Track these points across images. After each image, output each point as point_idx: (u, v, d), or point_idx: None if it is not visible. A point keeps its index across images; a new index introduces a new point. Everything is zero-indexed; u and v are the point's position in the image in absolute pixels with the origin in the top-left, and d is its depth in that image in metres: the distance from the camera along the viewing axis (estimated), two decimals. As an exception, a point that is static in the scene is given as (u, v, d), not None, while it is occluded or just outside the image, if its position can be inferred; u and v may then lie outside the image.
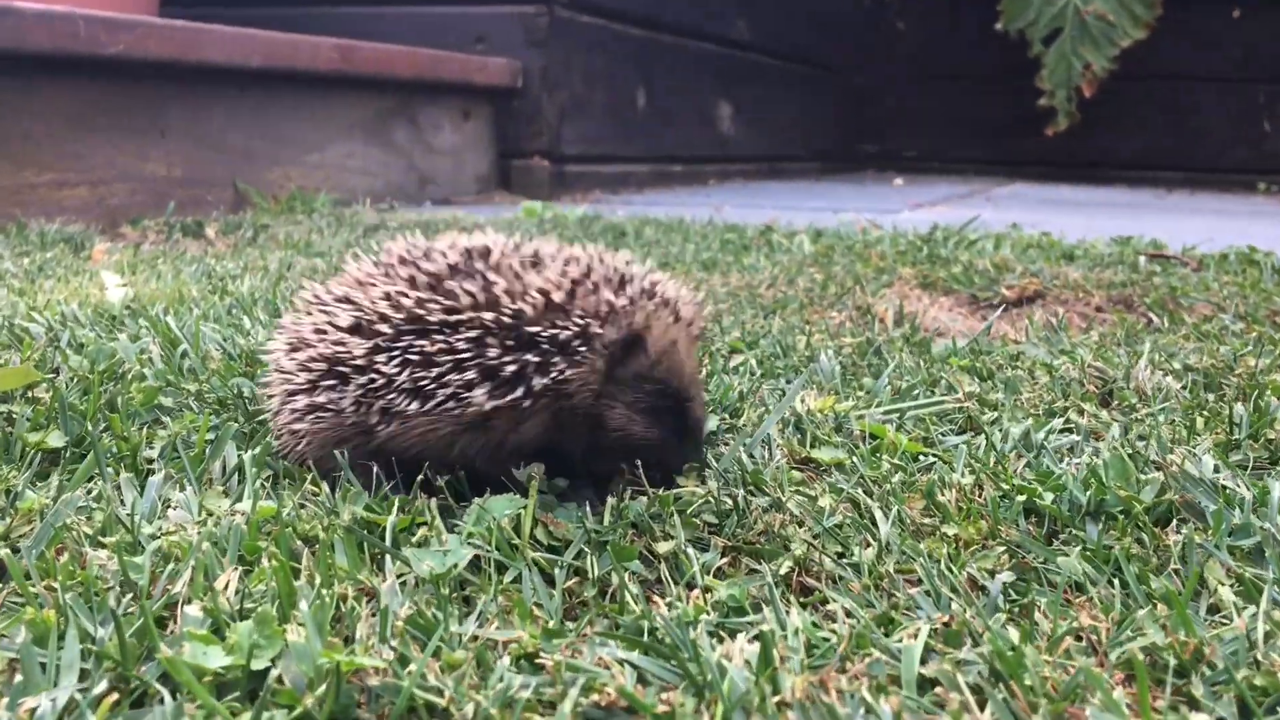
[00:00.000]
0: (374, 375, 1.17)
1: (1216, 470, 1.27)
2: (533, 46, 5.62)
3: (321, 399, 1.22)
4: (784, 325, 2.08)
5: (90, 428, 1.34)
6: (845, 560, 1.08)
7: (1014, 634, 0.90)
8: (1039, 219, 5.07)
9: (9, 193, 3.67)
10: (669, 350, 1.24)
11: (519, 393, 1.15)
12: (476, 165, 5.73)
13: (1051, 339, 2.10)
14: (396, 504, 1.13)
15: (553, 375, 1.15)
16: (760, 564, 1.08)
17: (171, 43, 4.00)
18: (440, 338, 1.16)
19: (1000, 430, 1.45)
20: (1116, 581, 1.02)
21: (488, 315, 1.15)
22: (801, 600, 1.03)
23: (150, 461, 1.30)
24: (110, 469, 1.25)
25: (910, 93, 9.38)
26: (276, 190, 4.58)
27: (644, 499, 1.17)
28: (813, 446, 1.37)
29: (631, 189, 6.36)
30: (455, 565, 0.99)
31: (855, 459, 1.33)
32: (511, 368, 1.14)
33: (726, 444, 1.38)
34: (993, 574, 1.05)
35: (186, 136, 4.26)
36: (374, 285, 1.24)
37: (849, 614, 0.97)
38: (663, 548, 1.09)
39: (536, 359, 1.15)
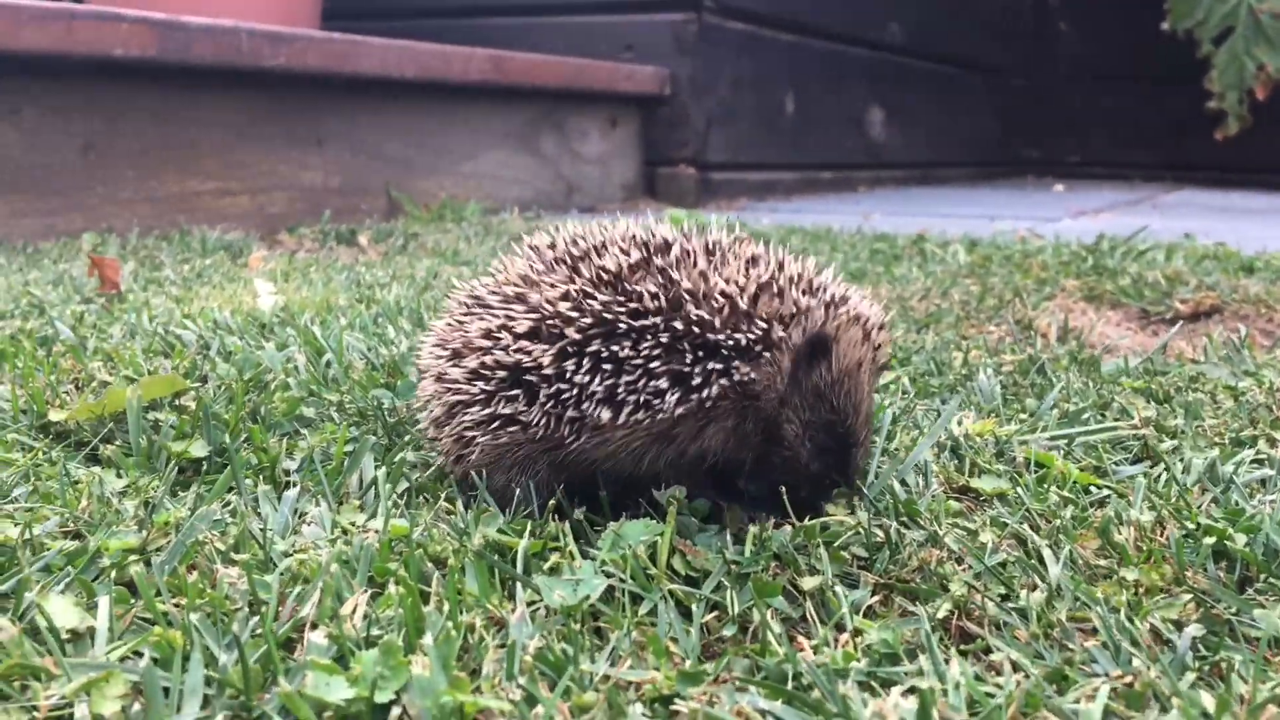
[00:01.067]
0: (563, 385, 1.11)
1: None
2: (681, 54, 5.59)
3: (506, 410, 1.15)
4: (938, 340, 1.98)
5: (230, 439, 1.33)
6: (1010, 604, 0.99)
7: (1207, 699, 0.80)
8: (1211, 227, 4.80)
9: (176, 200, 3.80)
10: (852, 372, 1.16)
11: (703, 396, 1.09)
12: (623, 173, 5.72)
13: (1234, 358, 1.94)
14: (528, 528, 1.08)
15: (735, 378, 1.10)
16: (915, 605, 1.00)
17: (330, 55, 4.09)
18: (629, 343, 1.10)
19: (1181, 460, 1.33)
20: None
21: (676, 322, 1.10)
22: (961, 648, 0.95)
23: (289, 474, 1.28)
24: (250, 481, 1.24)
25: (1073, 96, 9.04)
26: (429, 199, 4.64)
27: (789, 528, 1.10)
28: (972, 475, 1.28)
29: (779, 196, 6.27)
30: (587, 596, 0.94)
31: (1019, 489, 1.23)
32: (698, 373, 1.09)
33: (878, 470, 1.30)
34: (1179, 626, 0.95)
35: (343, 146, 4.35)
36: (547, 285, 1.16)
37: (1016, 667, 0.89)
38: (808, 583, 1.01)
39: (719, 365, 1.09)
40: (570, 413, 1.12)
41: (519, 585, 0.97)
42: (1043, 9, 8.97)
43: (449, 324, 1.25)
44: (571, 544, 1.07)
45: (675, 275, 1.13)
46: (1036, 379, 1.76)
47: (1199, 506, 1.19)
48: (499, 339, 1.16)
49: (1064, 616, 0.95)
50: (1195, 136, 7.92)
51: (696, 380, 1.09)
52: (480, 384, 1.17)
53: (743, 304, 1.11)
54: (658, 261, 1.15)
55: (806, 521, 1.11)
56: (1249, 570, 1.05)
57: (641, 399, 1.09)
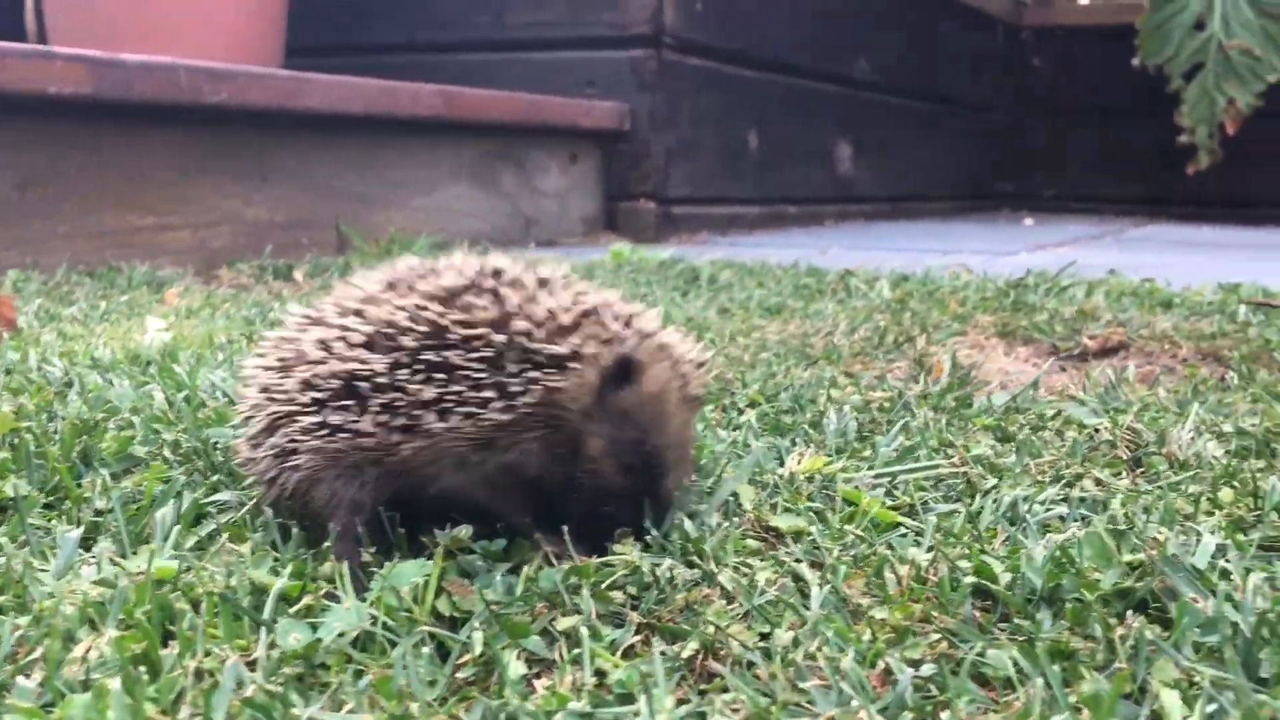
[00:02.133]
0: (395, 393, 1.16)
1: (1219, 551, 1.14)
2: (641, 90, 5.63)
3: (336, 419, 1.18)
4: (813, 378, 1.98)
5: (48, 479, 1.34)
6: (762, 644, 0.99)
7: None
8: (1162, 261, 4.81)
9: (115, 234, 3.82)
10: (659, 398, 1.21)
11: (519, 404, 1.15)
12: (583, 207, 5.75)
13: (1108, 395, 1.94)
14: (299, 569, 1.08)
15: (547, 385, 1.15)
16: (670, 644, 1.00)
17: (273, 91, 4.12)
18: (458, 352, 1.16)
19: (995, 499, 1.33)
20: (1047, 677, 0.90)
21: (499, 336, 1.16)
22: (702, 688, 0.95)
23: (99, 514, 1.29)
24: (55, 523, 1.24)
25: (1048, 130, 9.10)
26: (380, 233, 4.66)
27: (564, 568, 1.10)
28: (773, 513, 1.28)
29: (741, 230, 6.29)
30: (319, 641, 0.94)
31: (816, 529, 1.23)
32: (517, 383, 1.15)
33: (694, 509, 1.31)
34: (918, 665, 0.95)
35: (290, 181, 4.37)
36: (384, 301, 1.22)
37: (734, 709, 0.89)
38: (563, 624, 1.01)
39: (535, 373, 1.16)
40: (401, 420, 1.16)
41: (263, 629, 0.97)
42: (1016, 44, 9.03)
43: (280, 339, 1.28)
44: (348, 583, 1.07)
45: (506, 295, 1.19)
46: (900, 415, 1.76)
47: (994, 546, 1.19)
48: (333, 349, 1.20)
49: (800, 656, 0.95)
50: (1170, 171, 7.95)
51: (515, 388, 1.15)
52: (312, 393, 1.20)
53: (564, 321, 1.18)
54: (490, 283, 1.22)
55: (581, 561, 1.11)
56: (1008, 609, 1.05)
57: (468, 408, 1.15)
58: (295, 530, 1.20)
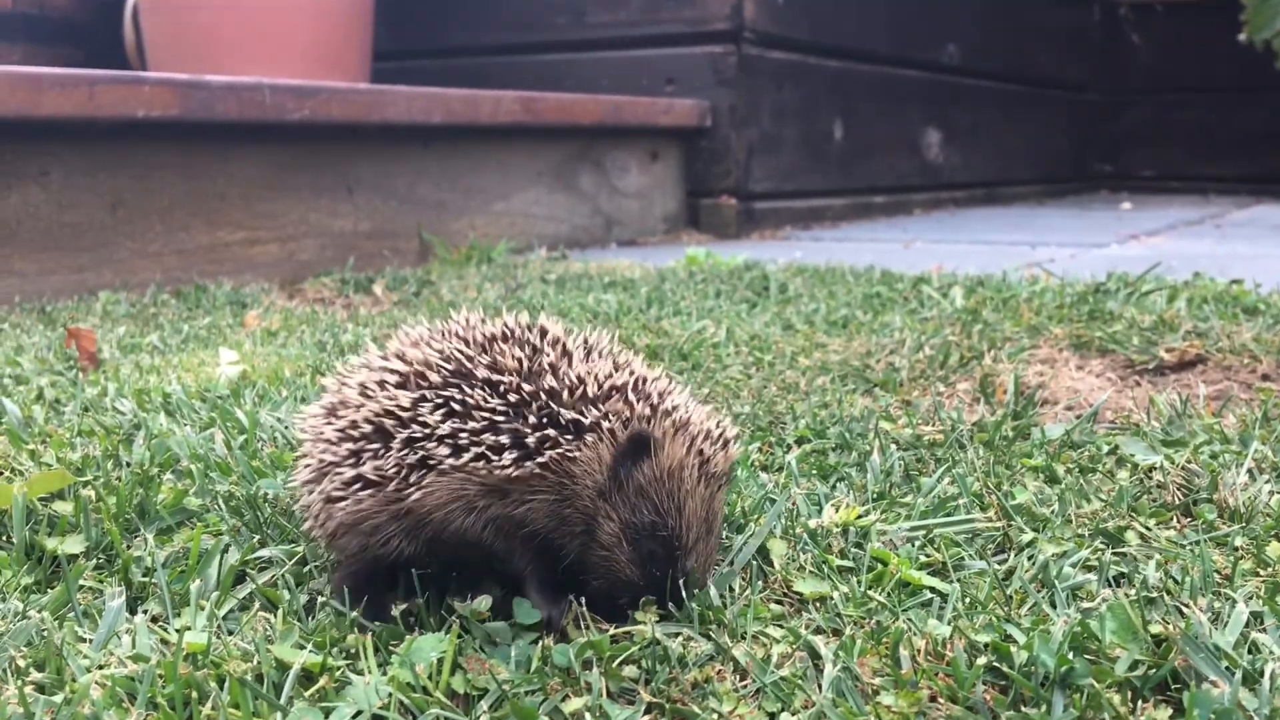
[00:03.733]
0: (415, 427, 1.19)
1: (1254, 620, 1.11)
2: (720, 85, 5.61)
3: (366, 468, 1.21)
4: (865, 411, 1.97)
5: (103, 537, 1.40)
6: (769, 728, 1.00)
7: None
8: (1259, 253, 4.65)
9: (204, 251, 3.94)
10: (675, 475, 1.19)
11: (533, 463, 1.16)
12: (664, 205, 5.75)
13: (1172, 424, 1.89)
14: (324, 639, 1.12)
15: (561, 450, 1.17)
16: (678, 727, 1.01)
17: (354, 106, 4.20)
18: (482, 393, 1.18)
19: (1031, 555, 1.31)
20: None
21: (527, 386, 1.18)
22: (706, 775, 0.96)
23: (150, 573, 1.34)
24: (104, 585, 1.30)
25: (1147, 109, 8.83)
26: (460, 240, 4.73)
27: (579, 642, 1.12)
28: (800, 575, 1.28)
29: (826, 223, 6.23)
30: (330, 728, 0.97)
31: (840, 594, 1.23)
32: (533, 440, 1.17)
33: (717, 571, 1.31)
34: (922, 757, 0.94)
35: (374, 192, 4.46)
36: (427, 345, 1.26)
37: (729, 804, 0.89)
38: (570, 706, 1.03)
39: (553, 433, 1.17)
40: (419, 454, 1.18)
41: (279, 713, 1.01)
42: (1113, 22, 8.77)
43: (339, 383, 1.32)
44: (370, 658, 1.10)
45: (543, 351, 1.23)
46: (948, 454, 1.74)
47: (1015, 612, 1.17)
48: (371, 394, 1.24)
49: (803, 747, 0.95)
50: (1275, 149, 7.67)
51: (531, 444, 1.16)
52: (348, 444, 1.24)
53: (591, 391, 1.19)
54: (531, 338, 1.26)
55: (593, 636, 1.13)
56: (1023, 691, 1.03)
57: (483, 450, 1.16)
58: (329, 593, 1.24)
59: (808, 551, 1.36)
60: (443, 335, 1.28)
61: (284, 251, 4.17)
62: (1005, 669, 1.05)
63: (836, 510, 1.47)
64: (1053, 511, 1.46)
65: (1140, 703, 0.99)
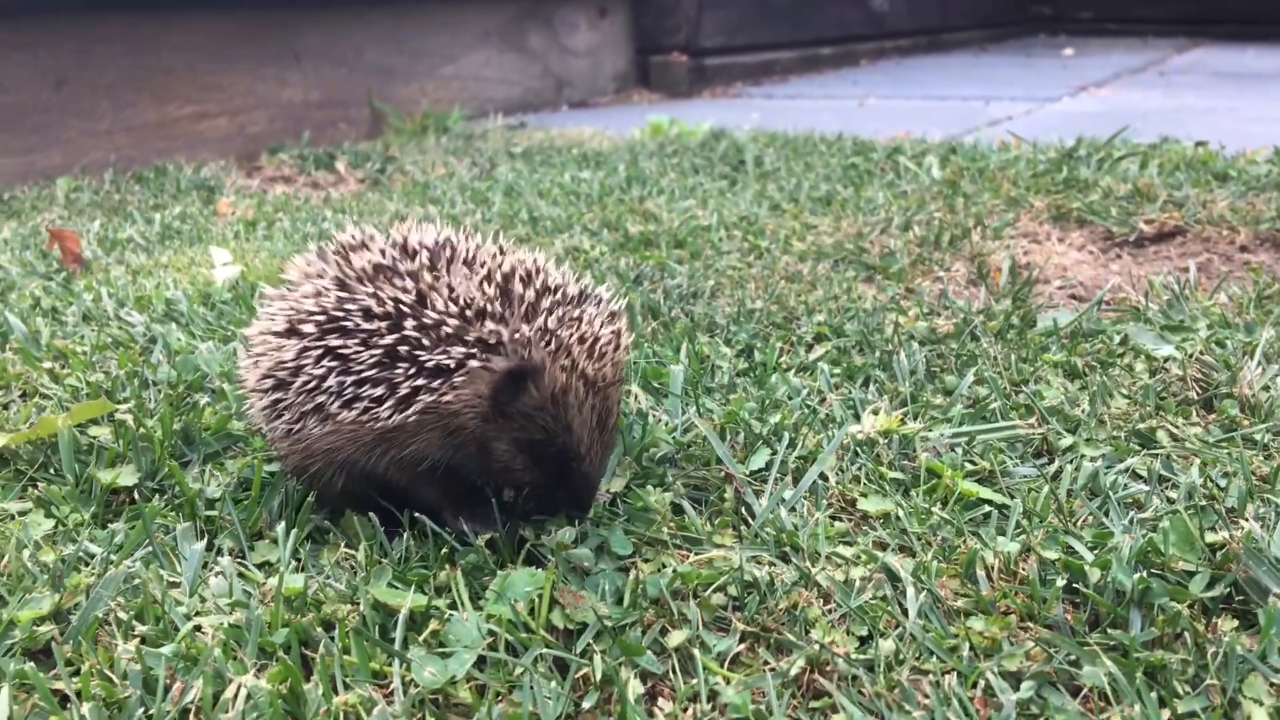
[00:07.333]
0: (305, 376, 1.20)
1: (1299, 529, 1.17)
2: (670, -64, 5.45)
3: (281, 423, 1.24)
4: (875, 302, 2.00)
5: (153, 471, 1.39)
6: (863, 655, 1.05)
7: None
8: (1212, 106, 4.70)
9: (154, 127, 3.80)
10: (559, 400, 1.19)
11: (408, 410, 1.16)
12: (614, 64, 5.64)
13: (1172, 307, 1.95)
14: (413, 586, 1.14)
15: (434, 397, 1.16)
16: (777, 657, 1.06)
17: (299, -32, 4.03)
18: (354, 343, 1.18)
19: (1074, 461, 1.37)
20: (1142, 699, 0.96)
21: (391, 336, 1.17)
22: (811, 705, 1.01)
23: (211, 504, 1.34)
24: (167, 520, 1.30)
25: (1086, -52, 8.76)
26: (412, 106, 4.61)
27: (670, 571, 1.16)
28: (862, 494, 1.32)
29: (776, 78, 6.16)
30: (454, 676, 1.00)
31: (903, 509, 1.28)
32: (406, 388, 1.16)
33: (772, 495, 1.34)
34: (1018, 678, 1.00)
35: (322, 59, 4.31)
36: (307, 282, 1.26)
37: (849, 734, 0.95)
38: (674, 639, 1.07)
39: (423, 381, 1.16)
40: (314, 401, 1.20)
41: (396, 660, 1.03)
42: None
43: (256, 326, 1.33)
44: (464, 593, 1.13)
45: (402, 287, 1.19)
46: (965, 349, 1.78)
47: (1076, 523, 1.23)
48: (269, 343, 1.26)
49: (905, 676, 1.00)
50: (1211, -10, 7.67)
51: (404, 392, 1.16)
52: (269, 396, 1.26)
53: (450, 327, 1.16)
54: (401, 266, 1.22)
55: (682, 568, 1.16)
56: (1099, 608, 1.09)
57: (364, 404, 1.17)
58: (404, 529, 1.26)
59: (858, 464, 1.40)
60: (321, 273, 1.26)
61: (234, 125, 4.04)
62: (1081, 587, 1.10)
63: (875, 416, 1.51)
64: (1084, 413, 1.51)
65: (1213, 619, 1.06)
